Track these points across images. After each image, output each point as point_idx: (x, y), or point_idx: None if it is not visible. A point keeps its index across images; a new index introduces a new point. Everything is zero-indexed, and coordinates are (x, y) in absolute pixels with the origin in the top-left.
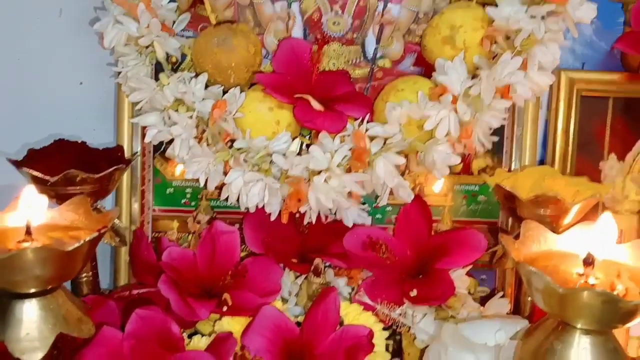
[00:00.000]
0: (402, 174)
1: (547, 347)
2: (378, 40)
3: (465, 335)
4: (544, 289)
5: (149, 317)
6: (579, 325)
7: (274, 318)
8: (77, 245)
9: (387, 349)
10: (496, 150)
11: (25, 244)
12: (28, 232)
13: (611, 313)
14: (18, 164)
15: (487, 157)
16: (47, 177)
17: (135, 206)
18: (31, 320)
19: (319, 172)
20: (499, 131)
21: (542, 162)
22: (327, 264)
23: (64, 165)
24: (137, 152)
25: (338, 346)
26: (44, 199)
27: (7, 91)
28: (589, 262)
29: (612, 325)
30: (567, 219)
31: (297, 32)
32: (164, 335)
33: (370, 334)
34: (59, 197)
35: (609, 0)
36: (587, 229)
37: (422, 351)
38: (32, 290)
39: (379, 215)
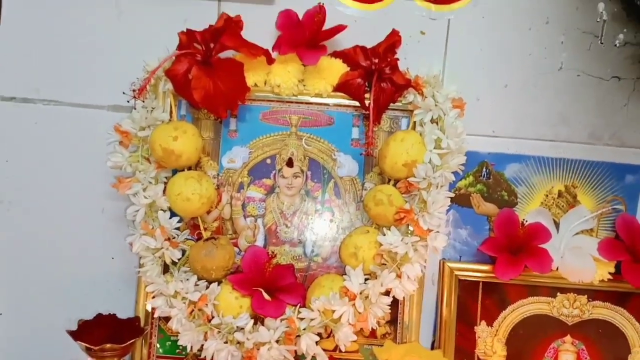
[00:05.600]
0: (329, 336)
1: None
2: (313, 244)
3: None
4: None
5: None
6: None
7: None
8: None
9: None
10: (393, 321)
11: None
12: None
13: None
14: (73, 336)
15: (386, 326)
16: (91, 347)
17: (144, 352)
18: None
19: (264, 344)
20: (394, 306)
21: (435, 327)
22: None
23: (103, 334)
24: (147, 327)
25: None
26: None
27: (58, 269)
28: None
29: None
30: None
31: (261, 237)
32: None
33: None
34: (98, 357)
35: (477, 214)
36: None
37: None
38: None
39: None
